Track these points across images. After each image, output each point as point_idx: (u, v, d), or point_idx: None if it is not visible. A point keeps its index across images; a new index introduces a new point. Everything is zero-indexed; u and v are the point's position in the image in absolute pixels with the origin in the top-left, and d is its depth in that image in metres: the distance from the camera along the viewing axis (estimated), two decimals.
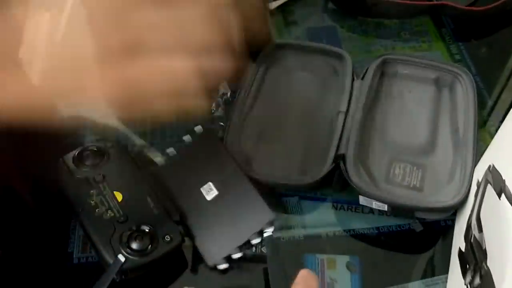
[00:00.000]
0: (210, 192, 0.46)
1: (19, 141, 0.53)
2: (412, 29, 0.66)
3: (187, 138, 0.50)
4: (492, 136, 0.55)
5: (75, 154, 0.48)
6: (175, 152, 0.49)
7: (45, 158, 0.51)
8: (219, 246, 0.44)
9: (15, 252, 0.46)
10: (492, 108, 0.59)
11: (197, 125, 0.54)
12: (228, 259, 0.44)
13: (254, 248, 0.45)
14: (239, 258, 0.45)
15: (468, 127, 0.51)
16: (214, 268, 0.44)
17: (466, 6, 0.64)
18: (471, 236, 0.40)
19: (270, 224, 0.45)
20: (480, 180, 0.43)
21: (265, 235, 0.44)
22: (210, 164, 0.47)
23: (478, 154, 0.48)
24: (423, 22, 0.67)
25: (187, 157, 0.49)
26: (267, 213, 0.45)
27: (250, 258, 0.45)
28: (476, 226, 0.40)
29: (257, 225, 0.44)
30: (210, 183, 0.46)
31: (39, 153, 0.53)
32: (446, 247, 0.47)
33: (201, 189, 0.46)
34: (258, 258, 0.45)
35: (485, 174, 0.42)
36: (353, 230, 0.48)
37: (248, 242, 0.44)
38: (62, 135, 0.55)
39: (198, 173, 0.47)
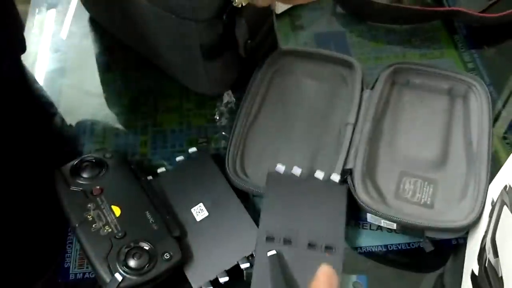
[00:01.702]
0: (200, 213, 0.45)
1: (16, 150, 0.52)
2: (424, 36, 0.64)
3: (180, 158, 0.49)
4: (505, 148, 0.53)
5: (72, 165, 0.46)
6: (166, 171, 0.48)
7: (43, 168, 0.49)
8: (205, 269, 0.42)
9: (10, 266, 0.45)
10: (503, 118, 0.57)
11: (199, 138, 0.53)
12: (215, 283, 0.42)
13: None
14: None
15: (482, 140, 0.49)
16: None
17: (479, 12, 0.62)
18: (486, 260, 0.38)
19: None
20: (495, 200, 0.41)
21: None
22: (203, 185, 0.46)
23: (492, 167, 0.46)
24: (435, 29, 0.64)
25: (179, 177, 0.48)
26: None
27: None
28: (491, 250, 0.38)
29: (247, 249, 0.43)
30: (201, 204, 0.45)
31: (36, 163, 0.51)
32: (457, 266, 0.45)
33: (192, 209, 0.45)
34: None
35: (501, 194, 0.40)
36: (360, 247, 0.47)
37: (237, 266, 0.43)
38: (60, 143, 0.54)
39: (189, 194, 0.46)
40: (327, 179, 0.45)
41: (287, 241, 0.42)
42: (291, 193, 0.44)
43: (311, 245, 0.42)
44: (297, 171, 0.45)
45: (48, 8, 0.67)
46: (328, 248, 0.42)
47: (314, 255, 0.41)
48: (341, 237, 0.42)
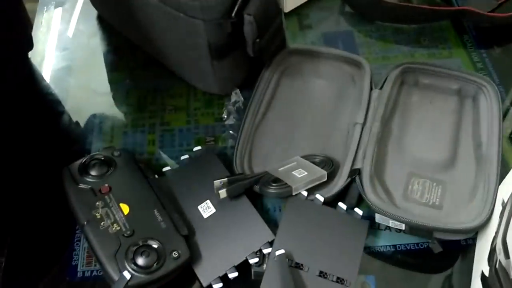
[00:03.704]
0: (207, 210, 0.45)
1: (24, 147, 0.52)
2: (432, 35, 0.63)
3: (185, 157, 0.49)
4: None
5: (81, 163, 0.46)
6: (172, 170, 0.48)
7: (51, 167, 0.49)
8: (214, 265, 0.42)
9: (18, 263, 0.45)
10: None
11: (206, 137, 0.53)
12: (224, 279, 0.42)
13: (265, 266, 0.43)
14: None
15: (492, 141, 0.48)
16: None
17: (488, 12, 0.62)
18: (496, 261, 0.38)
19: (270, 244, 0.43)
20: (506, 200, 0.41)
21: (277, 253, 0.42)
22: (209, 183, 0.46)
23: (502, 168, 0.46)
24: (443, 28, 0.64)
25: (186, 175, 0.48)
26: (266, 233, 0.43)
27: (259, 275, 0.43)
28: (502, 251, 0.37)
29: (255, 244, 0.43)
30: (208, 201, 0.45)
31: (44, 162, 0.51)
32: (466, 268, 0.45)
33: (199, 207, 0.45)
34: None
35: None
36: (369, 247, 0.46)
37: (246, 261, 0.43)
38: (68, 142, 0.54)
39: (196, 191, 0.46)
40: (350, 211, 0.45)
41: (298, 265, 0.42)
42: (311, 220, 0.44)
43: (322, 274, 0.42)
44: (320, 198, 0.44)
45: (56, 6, 0.67)
46: (339, 279, 0.41)
47: (323, 283, 0.41)
48: (354, 271, 0.42)
